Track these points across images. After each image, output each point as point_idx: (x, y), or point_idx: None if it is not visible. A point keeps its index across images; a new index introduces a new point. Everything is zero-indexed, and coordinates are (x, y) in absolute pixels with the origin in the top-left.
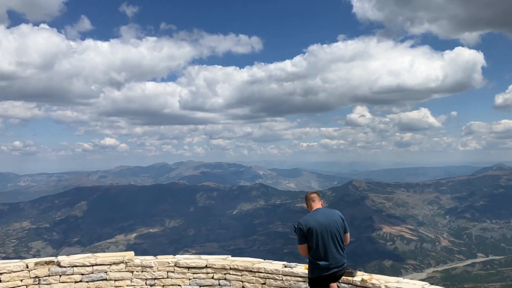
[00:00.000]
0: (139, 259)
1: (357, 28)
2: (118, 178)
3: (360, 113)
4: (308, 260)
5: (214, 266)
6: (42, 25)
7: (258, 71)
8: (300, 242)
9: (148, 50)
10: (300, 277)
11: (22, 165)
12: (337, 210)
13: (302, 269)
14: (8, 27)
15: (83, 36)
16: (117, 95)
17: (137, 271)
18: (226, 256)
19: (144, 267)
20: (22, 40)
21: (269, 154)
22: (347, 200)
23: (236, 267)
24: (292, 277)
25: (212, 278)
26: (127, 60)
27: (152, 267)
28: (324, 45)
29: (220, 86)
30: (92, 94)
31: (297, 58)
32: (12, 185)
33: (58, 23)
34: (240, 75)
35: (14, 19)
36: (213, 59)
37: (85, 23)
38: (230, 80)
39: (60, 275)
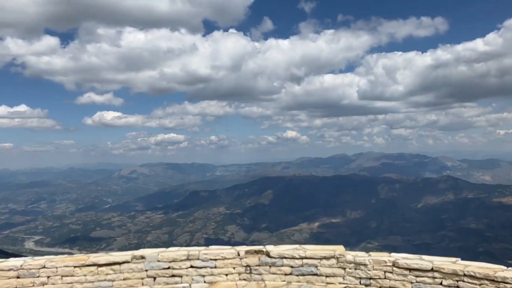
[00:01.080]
0: (351, 255)
1: None
2: (300, 169)
3: None
4: None
5: (443, 271)
6: (231, 30)
7: (443, 53)
8: None
9: (326, 43)
10: None
11: (217, 157)
12: None
13: None
14: (203, 35)
15: (266, 36)
16: (297, 90)
17: (349, 268)
18: (455, 259)
19: (357, 265)
20: (215, 45)
21: (458, 143)
22: None
23: (472, 274)
24: None
25: (441, 284)
26: (306, 55)
27: (367, 265)
28: None
29: (401, 73)
30: (274, 90)
31: (491, 36)
32: (210, 174)
33: (244, 26)
34: (423, 59)
35: (208, 27)
36: (392, 46)
37: (267, 24)
38: (411, 66)
39: (270, 266)
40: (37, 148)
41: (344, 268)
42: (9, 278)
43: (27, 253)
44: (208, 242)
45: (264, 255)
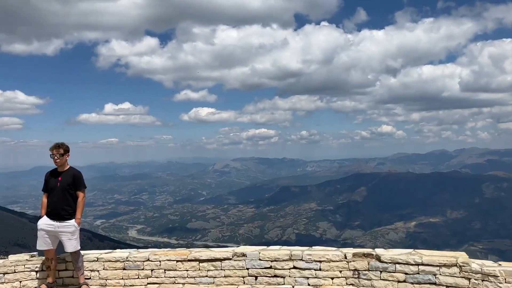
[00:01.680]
0: (476, 264)
1: None
2: (396, 165)
3: None
4: None
5: None
6: (322, 23)
7: None
8: None
9: (425, 32)
10: None
11: (308, 152)
12: None
13: None
14: (295, 30)
15: (359, 27)
16: (393, 82)
17: (475, 279)
18: None
19: (485, 275)
20: (307, 39)
21: None
22: None
23: None
24: None
25: None
26: (402, 46)
27: (497, 276)
28: None
29: (510, 62)
30: (368, 83)
31: None
32: (301, 170)
33: (337, 19)
34: None
35: (300, 21)
36: (499, 33)
37: (361, 14)
38: None
39: (380, 271)
40: (139, 143)
41: (469, 279)
42: (116, 269)
43: (130, 241)
44: (299, 238)
45: (374, 259)
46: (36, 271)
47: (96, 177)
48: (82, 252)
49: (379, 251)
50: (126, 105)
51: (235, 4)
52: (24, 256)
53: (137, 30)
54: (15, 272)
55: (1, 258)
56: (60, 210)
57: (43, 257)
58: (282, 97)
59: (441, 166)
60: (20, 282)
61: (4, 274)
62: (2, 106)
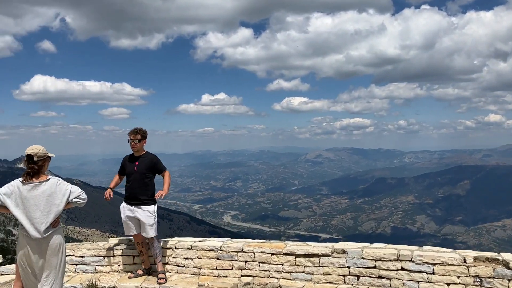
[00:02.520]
0: None
1: None
2: (505, 158)
3: None
4: None
5: None
6: (423, 6)
7: None
8: None
9: None
10: None
11: (406, 143)
12: None
13: None
14: (393, 14)
15: (465, 9)
16: (503, 67)
17: None
18: None
19: None
20: (405, 24)
21: None
22: None
23: None
24: None
25: None
26: None
27: None
28: None
29: None
30: (474, 68)
31: None
32: (398, 161)
33: (439, 1)
34: None
35: (398, 5)
36: None
37: None
38: None
39: (509, 280)
40: (233, 132)
41: None
42: (209, 259)
43: (225, 226)
44: (394, 231)
45: (500, 265)
46: (134, 256)
47: (193, 164)
48: (177, 238)
49: (506, 256)
50: (221, 96)
51: None
52: (123, 240)
53: (232, 21)
54: (113, 256)
55: (112, 237)
56: (139, 195)
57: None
58: (378, 85)
59: None
60: (119, 266)
61: (104, 257)
62: (111, 97)
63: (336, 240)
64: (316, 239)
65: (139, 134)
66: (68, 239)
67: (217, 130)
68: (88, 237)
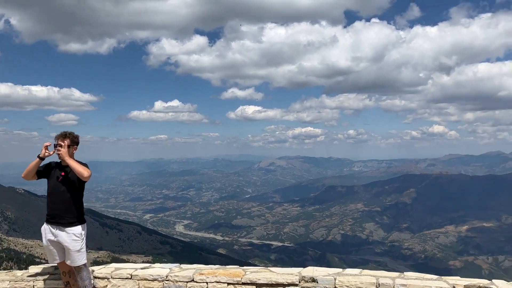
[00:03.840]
0: None
1: None
2: (448, 167)
3: None
4: None
5: None
6: (373, 20)
7: None
8: None
9: (481, 29)
10: None
11: (355, 152)
12: None
13: None
14: (344, 27)
15: (412, 24)
16: (446, 81)
17: None
18: None
19: None
20: (356, 36)
21: None
22: None
23: None
24: None
25: None
26: (457, 43)
27: None
28: None
29: None
30: (420, 81)
31: None
32: (348, 169)
33: (388, 15)
34: None
35: (350, 17)
36: None
37: (414, 11)
38: None
39: None
40: (187, 140)
41: None
42: None
43: (177, 235)
44: (344, 238)
45: None
46: None
47: (145, 172)
48: (114, 265)
49: (499, 283)
50: (175, 103)
51: (284, 1)
52: (48, 268)
53: (187, 28)
54: None
55: (23, 269)
56: (62, 214)
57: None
58: (329, 95)
59: (496, 168)
60: None
61: None
62: (59, 103)
63: (288, 248)
64: (268, 247)
65: (69, 139)
66: (9, 251)
67: (170, 137)
68: (31, 249)
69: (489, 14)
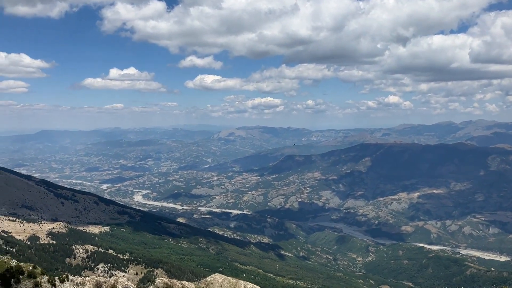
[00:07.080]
0: None
1: None
2: (401, 136)
3: None
4: None
5: None
6: None
7: None
8: None
9: (437, 1)
10: None
11: (313, 122)
12: None
13: None
14: None
15: None
16: (402, 52)
17: None
18: None
19: None
20: (317, 5)
21: None
22: None
23: None
24: None
25: None
26: (414, 14)
27: None
28: None
29: None
30: (377, 52)
31: None
32: (306, 139)
33: None
34: None
35: None
36: None
37: None
38: None
39: None
40: (144, 109)
41: None
42: None
43: (136, 205)
44: (302, 206)
45: None
46: None
47: (101, 142)
48: None
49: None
50: (132, 71)
51: None
52: None
53: None
54: None
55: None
56: None
57: None
58: (289, 65)
59: (447, 137)
60: None
61: None
62: (7, 69)
63: (247, 216)
64: (228, 216)
65: None
66: None
67: (127, 106)
68: None
69: None
